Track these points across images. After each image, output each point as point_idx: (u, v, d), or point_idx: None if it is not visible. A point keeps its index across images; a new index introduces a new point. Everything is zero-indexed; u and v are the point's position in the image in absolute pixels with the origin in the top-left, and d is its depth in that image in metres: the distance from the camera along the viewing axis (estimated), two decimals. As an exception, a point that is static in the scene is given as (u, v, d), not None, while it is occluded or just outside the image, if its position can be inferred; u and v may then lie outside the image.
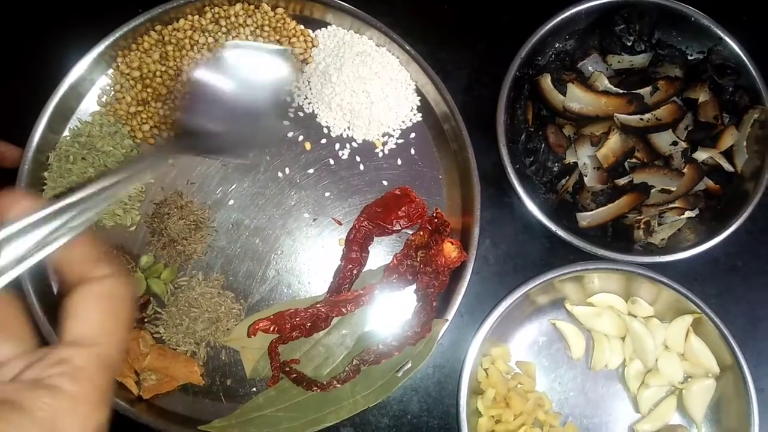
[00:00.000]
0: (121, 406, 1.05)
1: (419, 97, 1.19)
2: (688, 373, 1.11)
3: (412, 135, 1.19)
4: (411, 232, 1.14)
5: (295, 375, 1.07)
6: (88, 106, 1.17)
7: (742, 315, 1.16)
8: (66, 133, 1.16)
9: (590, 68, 1.14)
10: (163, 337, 1.10)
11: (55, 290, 1.11)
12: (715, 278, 1.17)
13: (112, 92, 1.17)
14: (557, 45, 1.18)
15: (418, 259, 1.11)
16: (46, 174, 1.12)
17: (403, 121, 1.19)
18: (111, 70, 1.18)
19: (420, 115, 1.19)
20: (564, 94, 1.11)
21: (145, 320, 1.11)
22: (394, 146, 1.19)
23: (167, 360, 1.08)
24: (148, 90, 1.16)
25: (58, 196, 0.57)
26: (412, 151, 1.19)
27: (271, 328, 1.07)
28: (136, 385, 1.09)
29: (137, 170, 0.69)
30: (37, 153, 1.11)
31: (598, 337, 1.13)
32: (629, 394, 1.13)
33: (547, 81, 1.12)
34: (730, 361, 1.06)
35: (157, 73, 1.16)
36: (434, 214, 1.13)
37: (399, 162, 1.18)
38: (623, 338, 1.13)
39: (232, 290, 1.13)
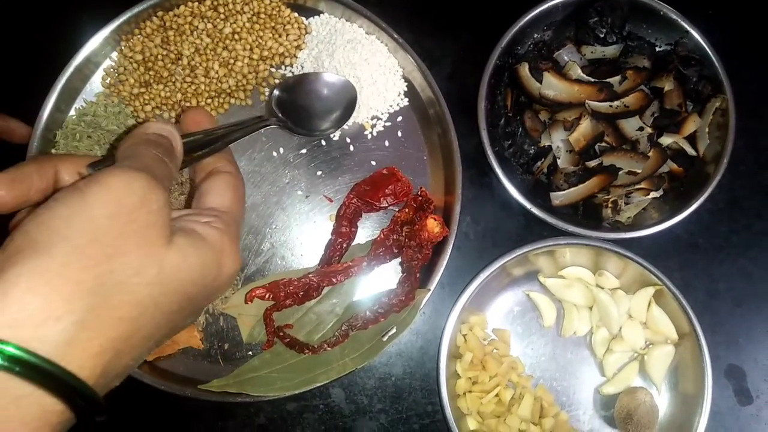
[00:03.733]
0: (125, 367, 1.12)
1: (406, 83, 1.24)
2: (650, 341, 1.17)
3: (399, 118, 1.24)
4: (397, 209, 1.19)
5: (288, 339, 1.13)
6: (93, 87, 1.21)
7: (701, 288, 1.23)
8: (72, 112, 1.20)
9: (565, 58, 1.19)
10: (165, 305, 1.16)
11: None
12: (677, 254, 1.24)
13: (116, 74, 1.21)
14: (536, 35, 1.22)
15: (404, 234, 1.16)
16: (53, 150, 1.16)
17: (391, 105, 1.23)
18: (115, 54, 1.21)
19: (407, 99, 1.24)
20: (540, 82, 1.15)
21: (148, 288, 1.17)
22: (382, 129, 1.23)
23: (169, 325, 1.14)
24: (150, 73, 1.20)
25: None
26: (399, 134, 1.23)
27: (267, 296, 1.13)
28: (139, 348, 1.15)
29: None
30: (45, 131, 1.15)
31: (568, 307, 1.20)
32: (595, 359, 1.19)
33: (524, 69, 1.16)
34: (688, 329, 1.13)
35: (159, 57, 1.20)
36: (419, 193, 1.18)
37: (387, 143, 1.23)
38: (591, 308, 1.19)
39: (230, 261, 1.19)
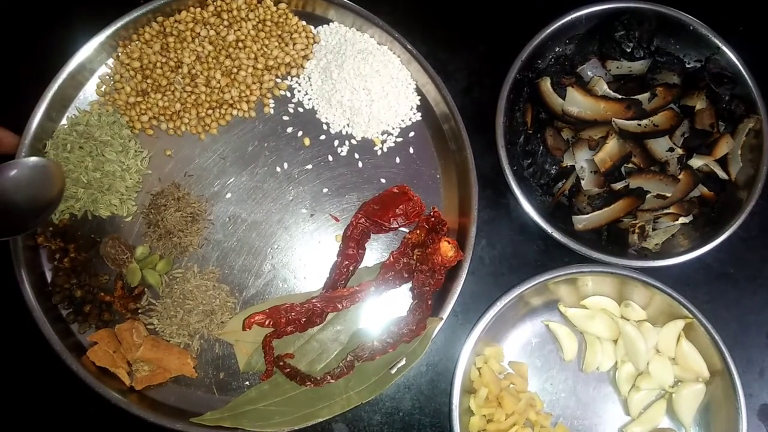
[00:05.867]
0: (112, 396, 1.06)
1: (419, 97, 1.20)
2: (679, 378, 1.12)
3: (411, 134, 1.20)
4: (408, 231, 1.14)
5: (288, 369, 1.07)
6: (87, 95, 1.18)
7: (733, 321, 1.18)
8: (64, 121, 1.16)
9: (589, 73, 1.15)
10: (157, 329, 1.11)
11: (48, 279, 1.11)
12: (707, 284, 1.19)
13: (112, 82, 1.17)
14: (557, 49, 1.19)
15: (415, 258, 1.11)
16: None
17: (403, 120, 1.19)
18: (111, 60, 1.18)
19: (419, 114, 1.20)
20: (563, 97, 1.12)
21: (139, 311, 1.11)
22: (393, 145, 1.19)
23: (160, 351, 1.09)
24: (148, 81, 1.16)
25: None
26: (411, 150, 1.19)
27: (267, 322, 1.07)
28: (128, 375, 1.09)
29: None
30: (34, 141, 1.11)
31: (590, 340, 1.14)
32: (620, 397, 1.14)
33: (547, 84, 1.13)
34: (720, 366, 1.07)
35: (158, 65, 1.16)
36: (431, 213, 1.14)
37: (397, 160, 1.19)
38: (615, 341, 1.13)
39: (228, 283, 1.14)
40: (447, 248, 1.10)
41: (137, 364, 1.09)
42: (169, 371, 1.10)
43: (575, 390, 1.14)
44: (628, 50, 1.14)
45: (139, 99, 1.16)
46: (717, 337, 1.07)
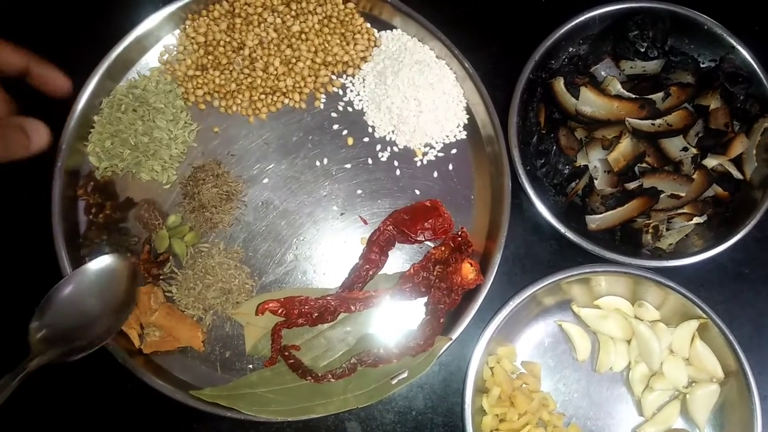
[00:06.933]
0: (120, 355, 1.07)
1: (468, 116, 1.22)
2: (693, 378, 1.08)
3: (453, 150, 1.22)
4: (433, 246, 1.15)
5: (292, 361, 1.07)
6: (149, 61, 1.23)
7: (748, 321, 1.15)
8: (123, 82, 1.21)
9: (603, 73, 1.17)
10: (174, 297, 1.13)
11: (81, 231, 1.15)
12: (722, 284, 1.16)
13: (175, 53, 1.23)
14: (571, 49, 1.21)
15: (435, 274, 1.11)
16: (95, 117, 1.17)
17: (447, 136, 1.22)
18: (178, 31, 1.24)
19: (465, 133, 1.22)
20: (576, 97, 1.14)
21: (161, 277, 1.13)
22: (434, 158, 1.21)
23: (174, 320, 1.10)
24: (209, 57, 1.21)
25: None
26: (450, 167, 1.21)
27: (280, 311, 1.08)
28: (138, 337, 1.10)
29: None
30: (92, 96, 1.16)
31: (603, 340, 1.11)
32: (633, 398, 1.10)
33: (560, 84, 1.15)
34: (735, 367, 1.04)
35: (221, 43, 1.22)
36: (459, 233, 1.14)
37: (435, 174, 1.20)
38: (629, 341, 1.11)
39: (249, 266, 1.16)
40: (468, 270, 1.10)
41: (149, 328, 1.10)
42: (179, 341, 1.10)
43: (588, 390, 1.11)
44: (642, 50, 1.16)
45: (198, 73, 1.21)
46: (731, 337, 1.05)
